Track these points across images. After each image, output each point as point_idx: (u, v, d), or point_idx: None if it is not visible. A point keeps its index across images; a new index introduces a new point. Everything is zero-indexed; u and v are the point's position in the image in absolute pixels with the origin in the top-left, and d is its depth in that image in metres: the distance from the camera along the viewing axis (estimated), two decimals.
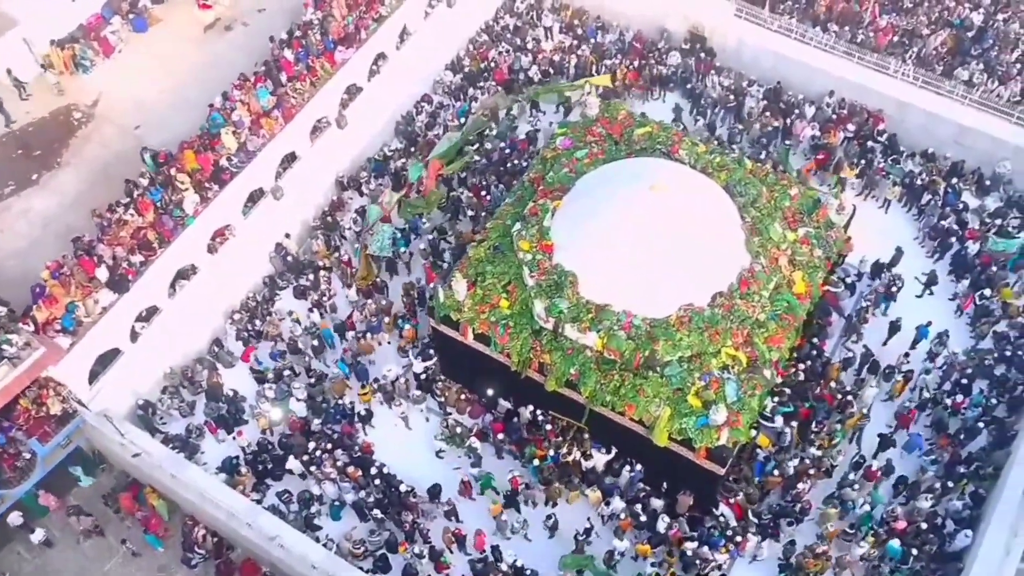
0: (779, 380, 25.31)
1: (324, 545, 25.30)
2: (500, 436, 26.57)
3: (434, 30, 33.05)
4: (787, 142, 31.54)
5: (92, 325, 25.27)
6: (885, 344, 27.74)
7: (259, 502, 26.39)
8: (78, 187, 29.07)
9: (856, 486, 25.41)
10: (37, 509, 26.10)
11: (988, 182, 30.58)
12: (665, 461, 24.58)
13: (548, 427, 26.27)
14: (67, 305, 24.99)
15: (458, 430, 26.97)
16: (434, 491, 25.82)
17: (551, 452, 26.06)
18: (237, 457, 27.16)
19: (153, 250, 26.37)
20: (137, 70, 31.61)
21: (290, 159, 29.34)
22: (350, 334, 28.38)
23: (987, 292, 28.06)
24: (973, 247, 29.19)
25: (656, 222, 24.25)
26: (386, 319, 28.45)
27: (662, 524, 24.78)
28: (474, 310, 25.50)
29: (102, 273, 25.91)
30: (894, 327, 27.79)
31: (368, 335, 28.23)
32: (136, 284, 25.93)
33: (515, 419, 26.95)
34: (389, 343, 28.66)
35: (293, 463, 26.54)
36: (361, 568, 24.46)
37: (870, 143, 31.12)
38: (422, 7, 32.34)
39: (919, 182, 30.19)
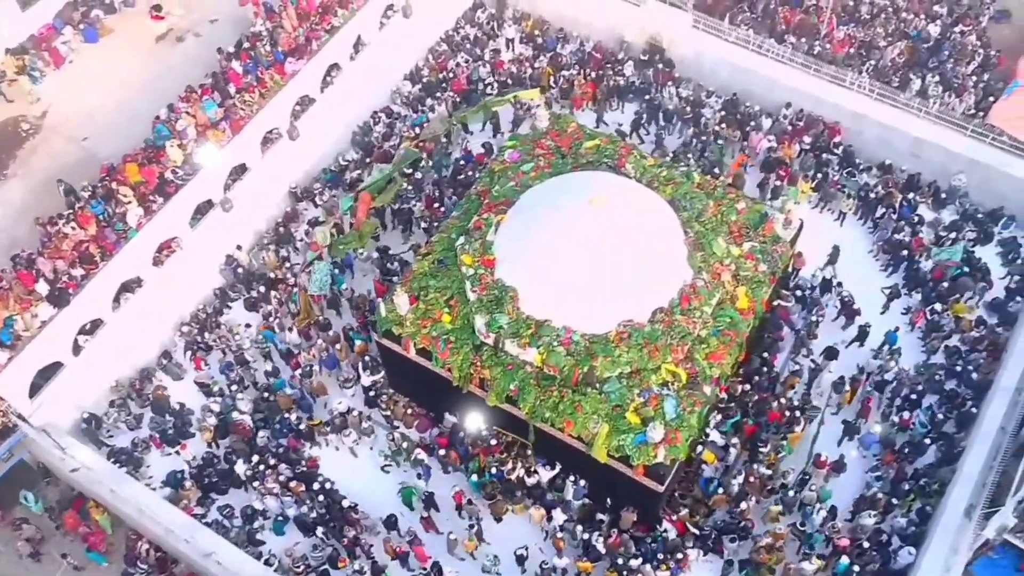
0: (723, 396, 25.16)
1: (266, 561, 25.19)
2: (443, 452, 26.42)
3: (391, 41, 32.92)
4: (719, 141, 31.33)
5: (31, 339, 25.10)
6: (848, 346, 27.78)
7: (203, 516, 26.31)
8: (24, 199, 28.93)
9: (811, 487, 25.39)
10: None
11: (944, 195, 30.42)
12: (607, 477, 24.41)
13: (493, 442, 26.13)
14: (4, 319, 24.83)
15: (404, 445, 26.82)
16: (390, 521, 25.56)
17: (494, 468, 25.90)
18: (182, 471, 27.02)
19: (95, 263, 26.22)
20: (87, 81, 31.41)
21: (240, 171, 29.18)
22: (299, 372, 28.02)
23: (937, 307, 27.89)
24: (927, 263, 29.06)
25: (597, 237, 24.10)
26: (338, 345, 28.14)
27: (599, 541, 24.65)
28: (416, 324, 25.34)
29: (42, 287, 25.75)
30: (863, 332, 27.73)
31: (322, 371, 27.96)
32: (77, 297, 25.77)
33: (461, 433, 26.82)
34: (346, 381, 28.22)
35: (240, 467, 26.42)
36: None
37: (826, 155, 30.94)
38: (377, 18, 32.18)
39: (873, 195, 30.03)
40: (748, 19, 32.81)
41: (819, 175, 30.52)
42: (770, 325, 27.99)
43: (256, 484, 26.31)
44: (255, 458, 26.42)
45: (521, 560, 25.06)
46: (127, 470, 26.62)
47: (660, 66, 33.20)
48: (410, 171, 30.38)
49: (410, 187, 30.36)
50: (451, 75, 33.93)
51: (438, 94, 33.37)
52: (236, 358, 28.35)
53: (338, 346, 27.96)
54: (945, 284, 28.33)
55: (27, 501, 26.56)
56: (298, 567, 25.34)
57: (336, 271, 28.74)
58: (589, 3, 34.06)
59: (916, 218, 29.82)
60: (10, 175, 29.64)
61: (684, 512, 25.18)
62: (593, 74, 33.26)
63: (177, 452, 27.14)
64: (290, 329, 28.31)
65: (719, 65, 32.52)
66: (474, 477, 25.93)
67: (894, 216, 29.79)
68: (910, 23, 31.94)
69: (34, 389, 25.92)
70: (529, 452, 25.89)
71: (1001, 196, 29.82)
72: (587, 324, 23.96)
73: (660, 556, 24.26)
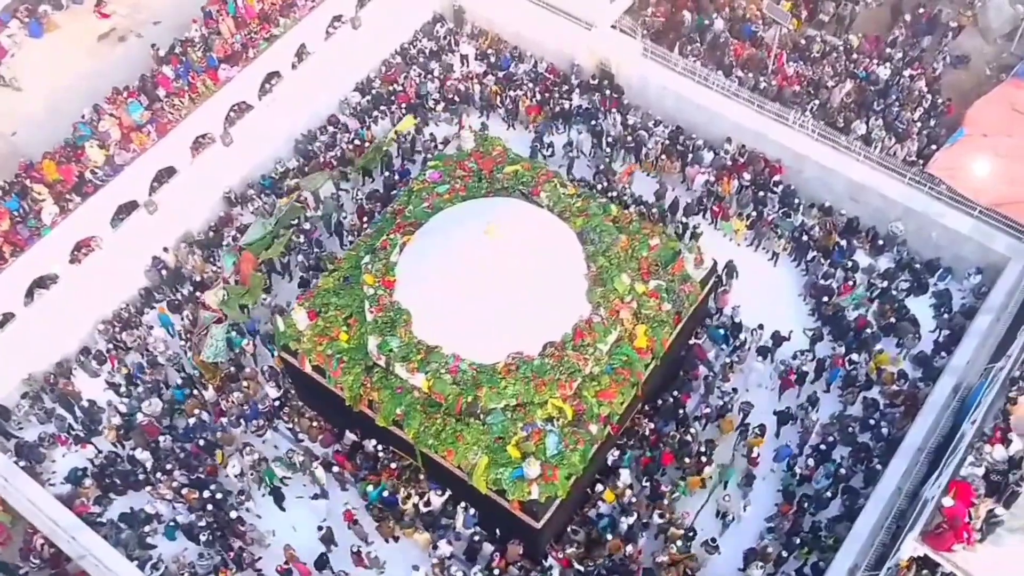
0: (611, 434, 24.74)
1: (154, 565, 25.29)
2: (336, 469, 26.32)
3: (339, 51, 32.85)
4: (607, 149, 31.34)
5: None
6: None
7: (100, 515, 26.43)
8: None
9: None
10: None
11: (881, 242, 29.80)
12: (491, 508, 24.19)
13: (392, 464, 25.97)
14: None
15: (300, 459, 26.72)
16: (321, 562, 25.27)
17: (387, 491, 25.71)
18: (84, 468, 27.15)
19: (4, 259, 26.42)
20: (24, 76, 31.61)
21: (167, 174, 29.27)
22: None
23: (855, 357, 27.30)
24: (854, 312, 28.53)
25: (494, 266, 23.84)
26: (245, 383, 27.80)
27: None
28: (312, 341, 25.27)
29: None
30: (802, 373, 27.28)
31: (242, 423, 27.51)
32: None
33: (360, 451, 26.71)
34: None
35: (142, 454, 26.60)
36: None
37: (764, 193, 30.43)
38: (322, 28, 32.14)
39: (806, 236, 29.51)
40: (698, 50, 32.32)
41: (753, 213, 30.02)
42: (686, 363, 27.64)
43: (149, 488, 26.41)
44: (149, 463, 26.51)
45: None
46: (29, 464, 26.80)
47: (608, 92, 32.85)
48: (294, 224, 29.89)
49: (300, 238, 29.84)
50: (400, 88, 33.85)
51: (382, 107, 33.27)
52: (149, 361, 28.44)
53: (245, 383, 27.77)
54: (869, 331, 27.75)
55: None
56: (183, 574, 25.41)
57: (234, 333, 28.10)
58: (543, 24, 33.76)
59: (849, 263, 29.23)
60: None
61: (572, 550, 24.85)
62: (539, 96, 32.96)
63: (77, 450, 27.21)
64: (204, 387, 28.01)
65: (665, 95, 32.13)
66: (370, 488, 25.79)
67: (823, 260, 29.23)
68: (860, 63, 31.27)
69: None
70: (421, 476, 25.69)
71: (937, 247, 29.17)
72: (477, 353, 23.75)
73: None
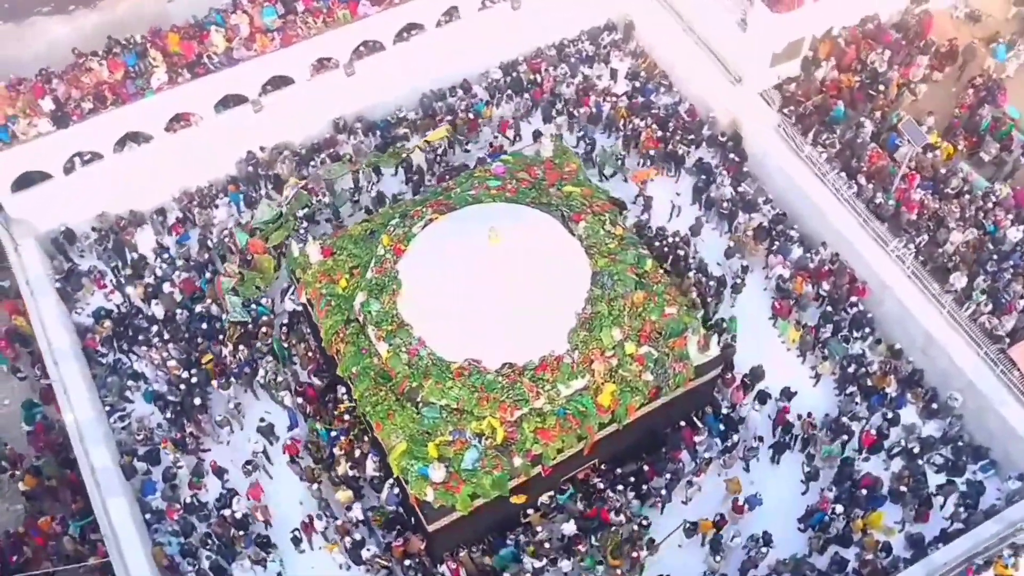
0: (542, 476, 24.05)
1: (121, 416, 27.46)
2: (299, 400, 27.24)
3: (489, 24, 33.18)
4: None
5: (26, 143, 28.13)
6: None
7: (103, 355, 28.69)
8: (77, 38, 31.49)
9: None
10: None
11: (936, 406, 27.10)
12: (406, 494, 24.33)
13: (346, 416, 26.58)
14: (8, 117, 28.00)
15: (279, 379, 27.76)
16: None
17: (334, 435, 26.38)
18: (110, 312, 29.34)
19: (105, 105, 28.85)
20: None
21: (281, 82, 30.83)
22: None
23: (839, 508, 25.14)
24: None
25: (496, 272, 23.72)
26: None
27: (366, 553, 24.72)
28: (315, 276, 26.16)
29: (48, 104, 28.72)
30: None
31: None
32: (81, 124, 28.52)
33: (332, 393, 27.43)
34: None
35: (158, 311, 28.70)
36: None
37: (835, 310, 28.34)
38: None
39: (854, 368, 27.32)
40: (833, 143, 30.18)
41: (807, 325, 28.17)
42: (670, 442, 26.48)
43: (145, 348, 28.38)
44: (154, 328, 28.45)
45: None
46: (67, 289, 29.41)
47: (731, 155, 31.49)
48: (303, 211, 30.19)
49: (304, 226, 30.06)
50: (538, 79, 33.88)
51: (513, 94, 33.43)
52: (201, 241, 30.36)
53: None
54: (863, 491, 25.45)
55: None
56: (140, 435, 27.19)
57: (253, 304, 28.69)
58: (696, 64, 32.73)
59: (890, 415, 26.79)
60: (95, 6, 32.65)
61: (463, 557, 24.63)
62: (660, 132, 32.05)
63: (112, 295, 29.57)
64: (224, 344, 28.25)
65: (779, 175, 30.47)
66: (318, 426, 26.62)
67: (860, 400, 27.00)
68: (993, 215, 28.17)
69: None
70: (366, 438, 26.14)
71: (991, 435, 26.22)
72: (441, 346, 23.81)
73: None
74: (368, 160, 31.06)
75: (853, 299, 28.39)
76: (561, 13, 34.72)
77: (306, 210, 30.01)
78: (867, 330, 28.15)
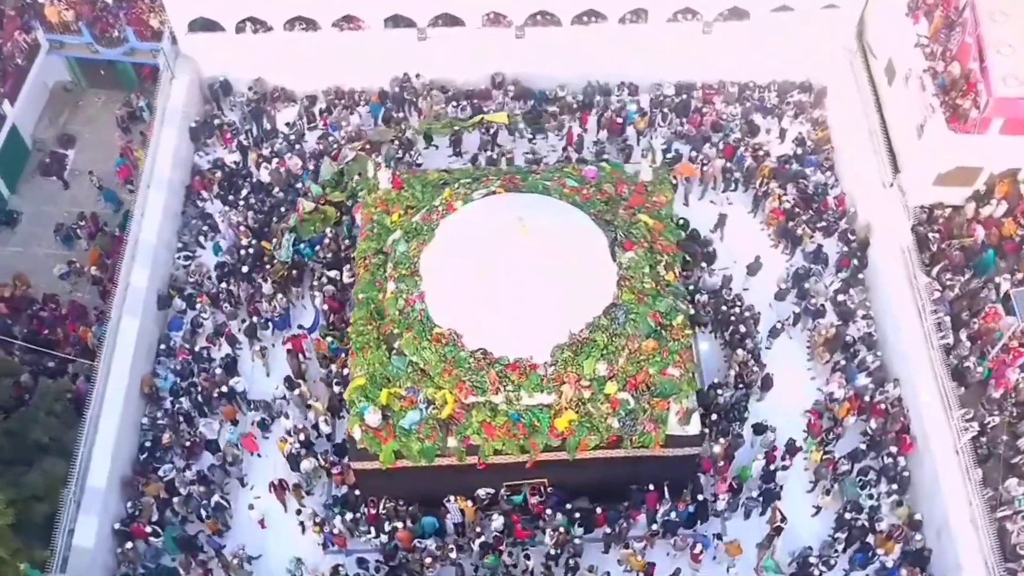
0: (476, 465, 23.89)
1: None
2: (325, 308, 28.44)
3: (678, 41, 32.60)
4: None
5: None
6: None
7: (205, 200, 31.32)
8: None
9: None
10: None
11: None
12: None
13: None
14: None
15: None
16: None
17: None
18: (224, 166, 32.00)
19: None
20: None
21: (450, 21, 31.94)
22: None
23: None
24: None
25: (517, 257, 23.76)
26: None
27: (307, 464, 25.71)
28: (375, 201, 27.51)
29: None
30: None
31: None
32: None
33: None
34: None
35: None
36: None
37: (876, 453, 26.05)
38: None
39: (861, 521, 24.98)
40: (951, 285, 27.29)
41: (834, 451, 26.03)
42: (633, 500, 25.46)
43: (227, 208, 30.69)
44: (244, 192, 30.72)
45: None
46: (199, 138, 32.46)
47: (856, 261, 29.25)
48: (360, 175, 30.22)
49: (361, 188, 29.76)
50: (703, 111, 32.89)
51: (671, 114, 32.80)
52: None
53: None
54: None
55: None
56: (191, 279, 29.41)
57: (303, 245, 29.37)
58: (860, 151, 30.41)
59: None
60: None
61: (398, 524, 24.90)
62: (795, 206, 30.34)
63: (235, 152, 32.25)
64: (264, 280, 28.99)
65: (883, 291, 28.19)
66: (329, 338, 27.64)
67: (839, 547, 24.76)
68: None
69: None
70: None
71: None
72: (437, 309, 24.14)
73: None
74: (421, 126, 31.76)
75: (893, 449, 25.86)
76: (761, 56, 33.14)
77: (361, 175, 30.21)
78: (894, 486, 25.61)
